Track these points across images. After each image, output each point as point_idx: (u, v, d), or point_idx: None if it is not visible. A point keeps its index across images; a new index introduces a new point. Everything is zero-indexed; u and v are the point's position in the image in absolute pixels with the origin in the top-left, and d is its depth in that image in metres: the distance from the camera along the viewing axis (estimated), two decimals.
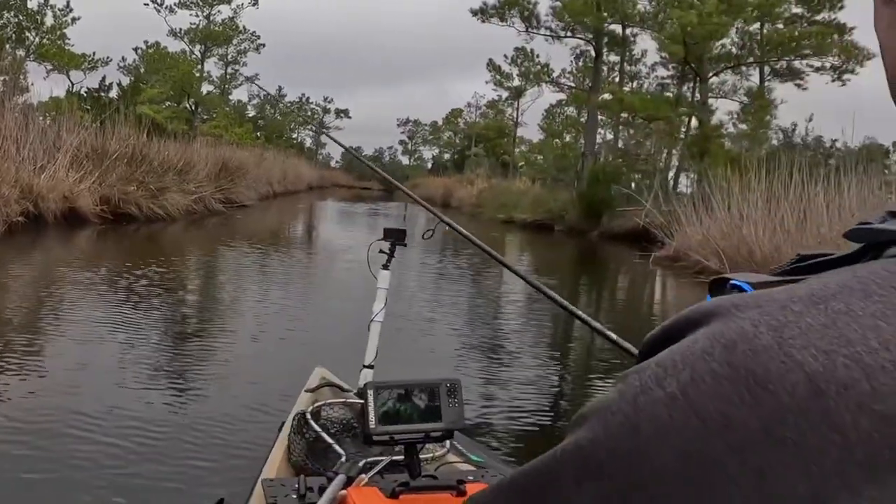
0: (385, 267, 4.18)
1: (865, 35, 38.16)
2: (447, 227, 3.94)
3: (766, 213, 18.32)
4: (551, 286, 4.00)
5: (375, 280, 4.17)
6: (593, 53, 37.98)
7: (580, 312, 3.30)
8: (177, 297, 10.79)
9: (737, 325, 0.45)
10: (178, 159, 23.42)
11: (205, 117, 53.55)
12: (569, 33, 37.82)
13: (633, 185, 31.62)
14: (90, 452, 4.82)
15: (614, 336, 3.07)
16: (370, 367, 4.03)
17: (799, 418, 0.42)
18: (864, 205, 16.61)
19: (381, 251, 4.18)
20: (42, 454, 4.77)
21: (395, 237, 4.15)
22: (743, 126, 35.44)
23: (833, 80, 34.13)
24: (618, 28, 36.72)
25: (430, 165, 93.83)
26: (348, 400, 3.59)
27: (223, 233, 20.65)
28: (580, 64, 43.75)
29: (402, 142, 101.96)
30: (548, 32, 37.80)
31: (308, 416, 3.34)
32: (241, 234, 20.31)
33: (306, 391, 3.89)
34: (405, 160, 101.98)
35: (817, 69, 34.44)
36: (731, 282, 0.56)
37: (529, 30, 37.54)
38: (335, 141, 6.46)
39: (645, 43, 38.63)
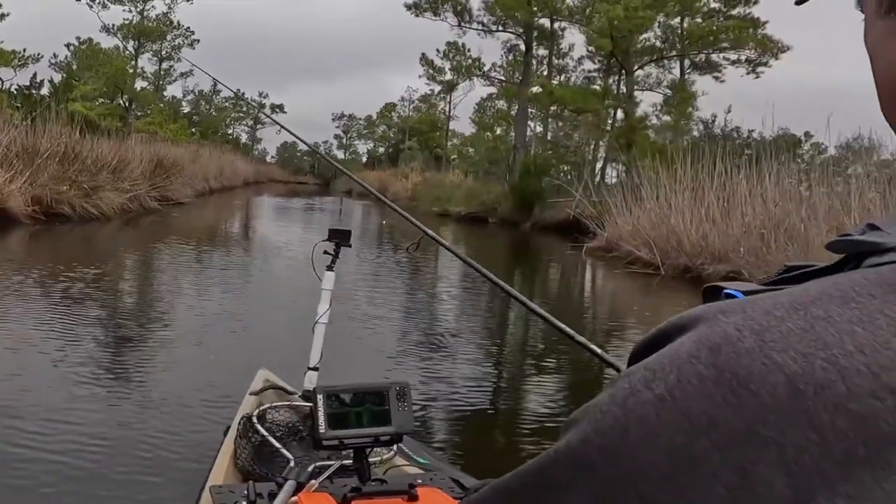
0: (329, 268, 4.12)
1: (778, 28, 38.81)
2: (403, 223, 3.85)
3: (693, 203, 18.52)
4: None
5: (320, 281, 4.10)
6: (523, 47, 38.11)
7: (570, 330, 3.28)
8: (113, 300, 10.50)
9: (721, 329, 0.46)
10: (112, 157, 22.86)
11: (139, 114, 52.60)
12: (500, 27, 37.90)
13: (562, 176, 31.83)
14: (24, 464, 4.58)
15: (599, 350, 3.08)
16: (315, 369, 3.97)
17: (779, 418, 0.43)
18: (783, 193, 16.87)
19: (325, 252, 4.11)
20: None
21: (340, 238, 4.09)
22: (667, 118, 35.88)
23: (748, 73, 35.11)
24: (547, 22, 36.91)
25: (364, 159, 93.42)
26: (294, 402, 3.56)
27: (159, 231, 20.20)
28: (510, 58, 43.86)
29: (337, 136, 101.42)
30: (480, 27, 37.87)
31: (254, 419, 3.29)
32: (178, 232, 19.91)
33: (251, 394, 3.84)
34: (340, 154, 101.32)
35: (733, 62, 35.41)
36: (726, 290, 0.57)
37: (462, 24, 37.56)
38: (297, 138, 6.28)
39: (573, 37, 38.90)
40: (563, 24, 36.83)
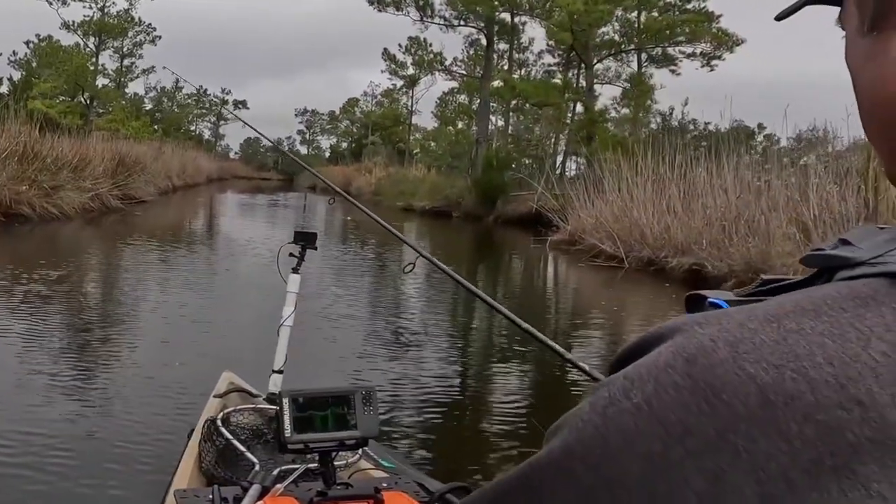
0: (295, 270, 4.04)
1: (732, 22, 38.96)
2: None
3: (654, 195, 18.45)
4: (458, 273, 3.95)
5: (285, 283, 4.03)
6: (485, 42, 37.92)
7: (541, 335, 3.24)
8: (74, 302, 10.14)
9: (698, 340, 0.48)
10: (73, 155, 22.38)
11: (100, 111, 51.77)
12: (462, 22, 37.65)
13: (524, 170, 31.68)
14: None
15: (569, 354, 3.06)
16: (279, 371, 3.90)
17: (750, 426, 0.44)
18: (743, 185, 16.82)
19: (290, 254, 4.03)
20: None
21: (305, 240, 4.02)
22: (626, 111, 35.93)
23: (702, 66, 35.23)
24: (509, 16, 36.74)
25: (327, 155, 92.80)
26: (258, 405, 3.51)
27: (122, 231, 19.79)
28: (471, 52, 43.69)
29: (300, 132, 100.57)
30: (442, 21, 37.58)
31: (218, 422, 3.24)
32: (141, 231, 19.51)
33: (215, 396, 3.79)
34: (303, 150, 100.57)
35: (688, 55, 35.58)
36: (710, 300, 0.58)
37: (424, 19, 37.21)
38: (260, 133, 6.07)
39: (533, 31, 38.74)
40: (524, 18, 36.73)
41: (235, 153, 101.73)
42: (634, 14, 34.24)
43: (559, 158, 33.29)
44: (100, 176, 23.29)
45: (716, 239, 15.10)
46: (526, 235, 25.47)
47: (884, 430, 0.42)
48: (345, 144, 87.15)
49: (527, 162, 33.51)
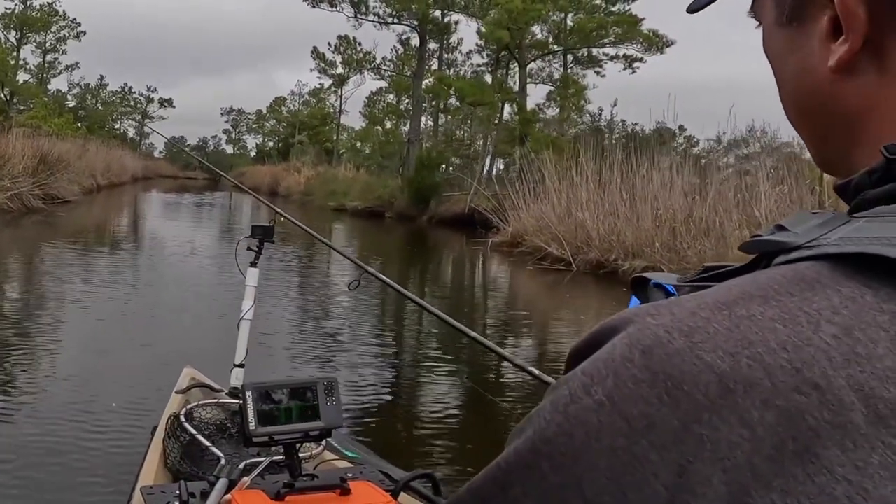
0: (253, 264, 3.97)
1: (654, 24, 38.82)
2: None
3: (597, 196, 17.71)
4: (398, 278, 4.02)
5: (244, 278, 3.95)
6: (418, 40, 36.94)
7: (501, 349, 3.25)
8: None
9: (652, 331, 0.47)
10: None
11: (21, 108, 49.34)
12: (396, 20, 36.54)
13: (455, 170, 30.90)
14: None
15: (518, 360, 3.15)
16: (241, 365, 3.84)
17: (712, 415, 0.43)
18: (688, 184, 16.21)
19: (248, 248, 3.95)
20: None
21: (263, 234, 3.93)
22: (557, 111, 35.46)
23: (625, 68, 35.12)
24: (444, 14, 35.88)
25: (253, 154, 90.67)
26: (221, 400, 3.48)
27: (44, 233, 18.27)
28: (402, 52, 42.72)
29: (226, 131, 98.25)
30: (376, 19, 36.38)
31: (181, 418, 3.19)
32: (64, 233, 18.03)
33: (177, 392, 3.72)
34: (229, 149, 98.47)
35: (612, 58, 35.41)
36: (653, 281, 0.57)
37: (358, 16, 35.97)
38: (164, 137, 5.24)
39: (463, 31, 37.92)
40: (457, 17, 35.90)
41: (160, 152, 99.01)
42: (562, 15, 33.67)
43: (492, 159, 32.45)
44: (19, 174, 21.67)
45: (668, 241, 14.39)
46: (461, 236, 24.70)
47: (842, 412, 0.42)
48: (271, 143, 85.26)
49: (457, 162, 32.69)
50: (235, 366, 3.86)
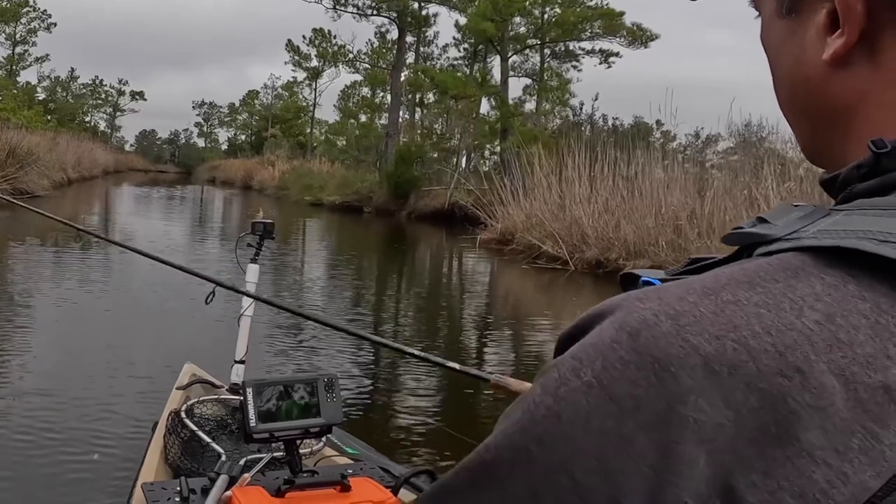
0: (253, 260, 3.92)
1: (634, 18, 38.19)
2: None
3: (591, 192, 16.86)
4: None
5: (243, 273, 3.89)
6: (396, 33, 35.90)
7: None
8: None
9: (639, 314, 0.47)
10: None
11: None
12: (375, 12, 35.42)
13: (436, 164, 29.99)
14: None
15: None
16: (241, 362, 3.78)
17: (699, 398, 0.44)
18: (689, 180, 15.41)
19: (248, 244, 3.91)
20: None
21: (263, 230, 3.89)
22: (544, 105, 34.59)
23: (601, 63, 34.35)
24: (422, 7, 34.85)
25: (225, 147, 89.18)
26: (221, 396, 3.43)
27: (12, 229, 17.15)
28: (378, 44, 41.66)
29: (197, 124, 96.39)
30: (355, 10, 35.22)
31: (182, 414, 3.16)
32: (34, 230, 16.87)
33: (177, 388, 3.67)
34: (201, 142, 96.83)
35: (588, 52, 34.45)
36: (643, 278, 0.58)
37: (337, 7, 34.75)
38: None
39: (438, 24, 36.92)
40: (437, 9, 34.88)
41: (131, 145, 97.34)
42: (540, 9, 32.76)
43: (471, 153, 31.50)
44: None
45: (672, 239, 13.54)
46: (441, 231, 23.82)
47: (823, 396, 0.43)
48: (243, 137, 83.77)
49: (436, 156, 31.74)
50: (236, 362, 3.79)
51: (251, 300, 3.83)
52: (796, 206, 0.54)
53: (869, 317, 0.44)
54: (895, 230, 0.47)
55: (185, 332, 8.09)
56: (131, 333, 7.96)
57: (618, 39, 30.67)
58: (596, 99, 39.43)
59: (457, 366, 3.00)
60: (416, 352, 3.30)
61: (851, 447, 0.42)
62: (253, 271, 3.91)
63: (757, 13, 0.63)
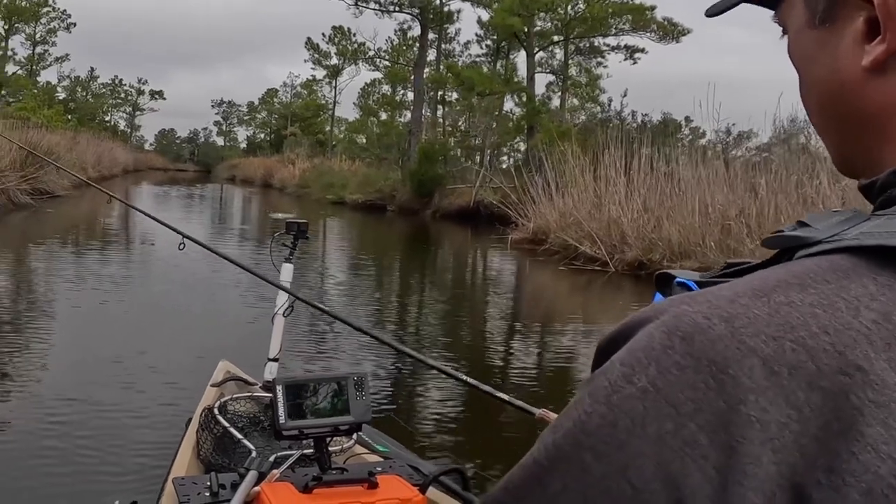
0: (287, 260, 3.92)
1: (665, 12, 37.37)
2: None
3: (628, 190, 16.14)
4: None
5: (278, 273, 3.89)
6: (419, 29, 35.21)
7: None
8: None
9: (690, 318, 0.47)
10: None
11: (10, 100, 47.36)
12: (397, 8, 34.75)
13: (461, 162, 29.33)
14: None
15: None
16: (275, 360, 3.77)
17: (759, 397, 0.44)
18: (736, 178, 14.66)
19: (283, 244, 3.93)
20: None
21: (297, 230, 3.92)
22: (572, 101, 33.87)
23: (625, 59, 33.71)
24: (444, 3, 34.18)
25: (244, 146, 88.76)
26: (254, 393, 3.46)
27: (31, 231, 16.59)
28: (399, 41, 41.05)
29: (216, 123, 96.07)
30: (377, 7, 34.50)
31: (215, 411, 3.16)
32: (52, 231, 16.33)
33: (212, 385, 3.66)
34: (220, 141, 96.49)
35: (613, 48, 33.67)
36: (678, 279, 0.58)
37: (359, 4, 34.07)
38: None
39: (467, 19, 36.15)
40: (460, 5, 34.23)
41: (151, 144, 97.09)
42: (565, 4, 31.94)
43: (493, 151, 30.78)
44: (6, 168, 19.88)
45: (719, 239, 12.80)
46: (467, 230, 23.17)
47: (885, 392, 0.43)
48: (262, 135, 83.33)
49: (459, 154, 31.06)
50: (269, 360, 3.78)
51: (286, 298, 3.84)
52: (836, 211, 0.55)
53: None
54: None
55: (221, 329, 8.03)
56: (167, 331, 7.95)
57: (648, 35, 29.79)
58: (625, 95, 38.77)
59: (505, 396, 2.94)
60: (465, 378, 3.19)
61: None
62: (287, 270, 3.92)
63: (782, 29, 0.64)
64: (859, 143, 0.59)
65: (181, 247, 4.03)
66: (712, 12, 0.68)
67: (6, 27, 50.45)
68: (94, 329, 8.04)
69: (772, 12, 0.65)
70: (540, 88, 35.34)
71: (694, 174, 14.95)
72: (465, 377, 3.18)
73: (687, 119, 34.84)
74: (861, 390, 0.43)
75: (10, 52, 51.18)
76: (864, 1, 0.55)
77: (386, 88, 49.66)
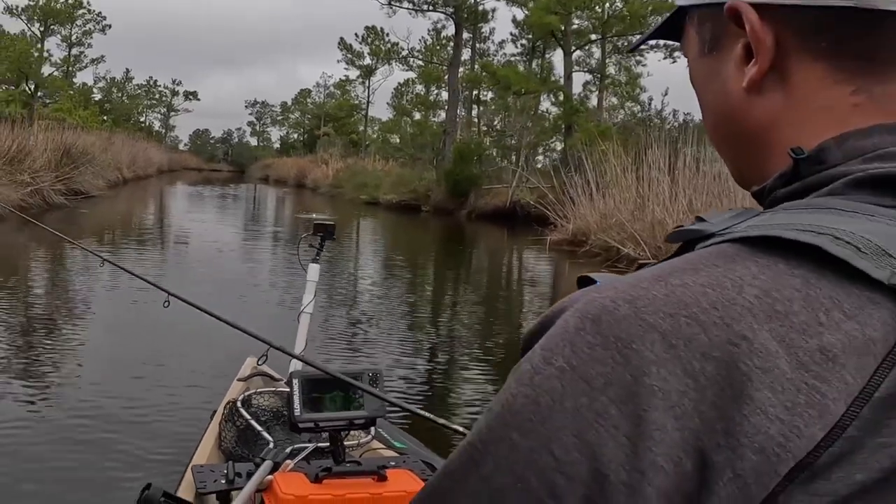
0: (314, 260, 4.02)
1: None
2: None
3: (671, 191, 15.64)
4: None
5: (305, 272, 4.01)
6: (453, 28, 34.80)
7: None
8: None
9: (599, 303, 0.51)
10: (10, 145, 18.83)
11: (47, 101, 47.62)
12: (430, 7, 34.34)
13: (497, 161, 28.88)
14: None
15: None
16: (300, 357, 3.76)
17: (661, 368, 0.47)
18: None
19: (310, 245, 4.04)
20: None
21: (325, 231, 4.01)
22: (612, 100, 33.26)
23: (665, 58, 32.87)
24: (479, 2, 33.74)
25: (277, 146, 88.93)
26: (278, 388, 3.50)
27: (69, 232, 16.36)
28: (432, 41, 40.68)
29: (250, 123, 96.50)
30: (410, 6, 34.15)
31: (239, 404, 3.22)
32: (84, 232, 16.10)
33: (238, 380, 3.77)
34: (254, 141, 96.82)
35: (652, 47, 32.73)
36: (599, 282, 0.62)
37: (392, 3, 33.72)
38: None
39: (501, 18, 35.65)
40: (494, 4, 33.76)
41: (185, 144, 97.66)
42: (602, 2, 31.33)
43: (530, 150, 30.26)
44: (41, 168, 19.74)
45: None
46: (504, 231, 22.75)
47: (769, 359, 0.47)
48: (295, 135, 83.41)
49: (495, 153, 30.59)
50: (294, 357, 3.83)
51: (312, 296, 3.94)
52: (730, 209, 0.60)
53: (800, 290, 0.49)
54: (812, 222, 0.52)
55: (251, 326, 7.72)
56: (197, 329, 7.68)
57: None
58: (666, 94, 37.93)
59: None
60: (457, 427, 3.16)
61: (799, 402, 0.46)
62: (314, 270, 4.01)
63: (686, 57, 0.70)
64: (749, 157, 0.66)
65: (166, 304, 3.61)
66: (631, 48, 0.77)
67: (42, 29, 50.74)
68: (129, 327, 8.12)
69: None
70: (576, 88, 34.85)
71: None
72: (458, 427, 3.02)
73: None
74: (748, 358, 0.46)
75: (46, 54, 51.46)
76: (742, 28, 0.61)
77: (419, 88, 49.42)
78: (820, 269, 0.50)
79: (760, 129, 0.64)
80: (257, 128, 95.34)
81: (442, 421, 2.88)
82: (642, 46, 0.82)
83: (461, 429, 2.80)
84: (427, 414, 2.95)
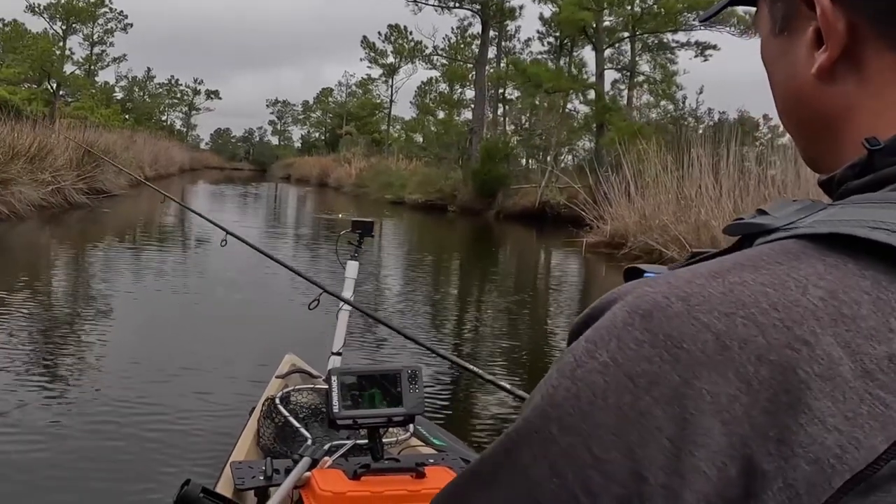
0: (353, 257, 4.02)
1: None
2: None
3: (715, 191, 14.98)
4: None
5: (343, 270, 3.99)
6: (479, 26, 34.16)
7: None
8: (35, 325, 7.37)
9: (651, 297, 0.49)
10: (31, 144, 18.34)
11: (70, 100, 47.37)
12: (457, 4, 33.68)
13: (526, 161, 28.27)
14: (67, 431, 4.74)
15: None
16: (338, 353, 3.81)
17: (711, 371, 0.46)
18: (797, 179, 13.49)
19: (349, 242, 4.03)
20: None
21: (363, 228, 4.00)
22: (646, 98, 32.58)
23: (696, 56, 32.23)
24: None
25: (299, 145, 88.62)
26: (316, 385, 3.50)
27: (86, 231, 15.91)
28: (459, 38, 40.06)
29: (271, 122, 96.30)
30: (437, 3, 33.52)
31: (277, 401, 3.23)
32: (104, 232, 15.63)
33: (277, 377, 3.78)
34: (275, 140, 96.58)
35: (682, 45, 32.16)
36: (646, 274, 0.60)
37: (418, 1, 33.11)
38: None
39: (529, 15, 34.98)
40: (521, 1, 33.02)
41: (206, 143, 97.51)
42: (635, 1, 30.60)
43: (559, 149, 29.58)
44: (62, 167, 19.25)
45: None
46: (533, 232, 22.15)
47: (831, 366, 0.44)
48: (317, 135, 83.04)
49: (523, 152, 29.96)
50: (333, 353, 3.79)
51: (351, 293, 3.95)
52: (795, 200, 0.56)
53: (870, 293, 0.46)
54: (886, 219, 0.49)
55: (289, 324, 8.08)
56: (238, 325, 8.13)
57: (728, 29, 28.22)
58: (701, 92, 37.26)
59: None
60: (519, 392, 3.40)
61: (861, 413, 0.43)
62: (353, 268, 4.00)
63: (758, 34, 0.67)
64: (819, 143, 0.62)
65: (223, 243, 4.38)
66: (706, 17, 0.75)
67: (64, 27, 50.56)
68: (165, 325, 8.20)
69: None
70: (606, 86, 34.13)
71: (792, 175, 13.74)
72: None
73: (765, 117, 33.34)
74: (808, 364, 0.44)
75: (68, 52, 51.29)
76: (813, 11, 0.58)
77: (443, 87, 48.84)
78: (893, 270, 0.47)
79: (831, 118, 0.60)
80: (278, 127, 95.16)
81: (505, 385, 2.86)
82: (712, 18, 0.81)
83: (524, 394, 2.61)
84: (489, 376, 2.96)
